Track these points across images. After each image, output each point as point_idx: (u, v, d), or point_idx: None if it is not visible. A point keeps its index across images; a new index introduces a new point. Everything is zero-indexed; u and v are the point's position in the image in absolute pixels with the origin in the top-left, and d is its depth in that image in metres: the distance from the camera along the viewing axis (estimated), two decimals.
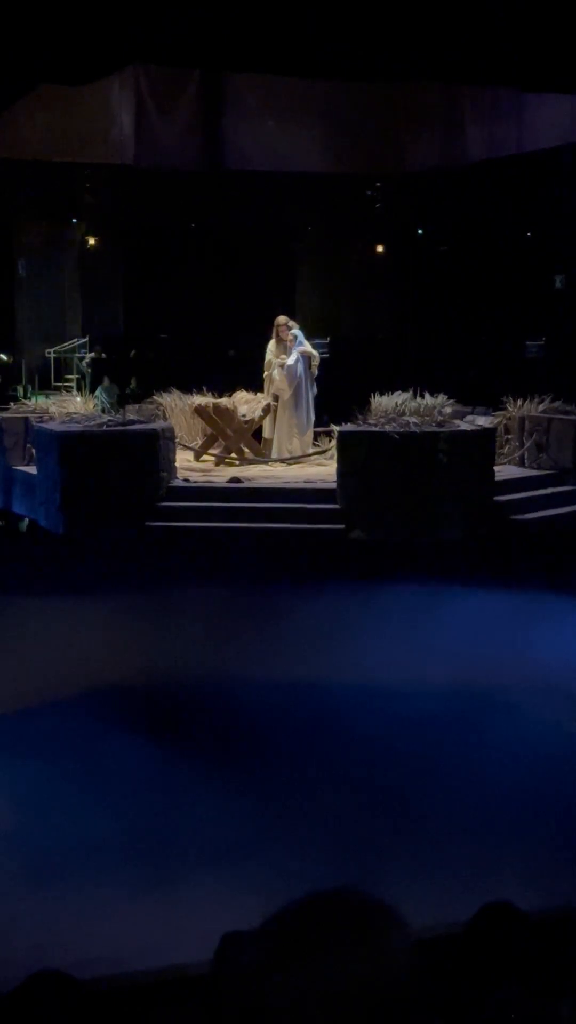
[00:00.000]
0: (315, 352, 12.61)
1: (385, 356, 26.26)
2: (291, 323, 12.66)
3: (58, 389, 26.53)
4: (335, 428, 13.02)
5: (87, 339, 26.69)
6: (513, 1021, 2.78)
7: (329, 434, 13.05)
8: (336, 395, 23.32)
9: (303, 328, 28.67)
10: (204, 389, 13.71)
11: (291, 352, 12.48)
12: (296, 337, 12.54)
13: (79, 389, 26.63)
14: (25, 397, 25.74)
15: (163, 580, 11.92)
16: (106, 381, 25.97)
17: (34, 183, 24.82)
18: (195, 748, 10.60)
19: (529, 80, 21.25)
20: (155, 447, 11.24)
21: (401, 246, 26.60)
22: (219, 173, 24.94)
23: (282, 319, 12.71)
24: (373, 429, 11.34)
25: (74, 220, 26.33)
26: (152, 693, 11.83)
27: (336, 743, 10.77)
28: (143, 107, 24.73)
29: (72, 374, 26.74)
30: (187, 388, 24.94)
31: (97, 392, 25.97)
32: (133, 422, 11.56)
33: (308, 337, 28.36)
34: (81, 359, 26.79)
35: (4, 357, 26.16)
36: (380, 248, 26.84)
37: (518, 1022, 2.77)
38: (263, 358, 25.80)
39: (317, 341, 27.85)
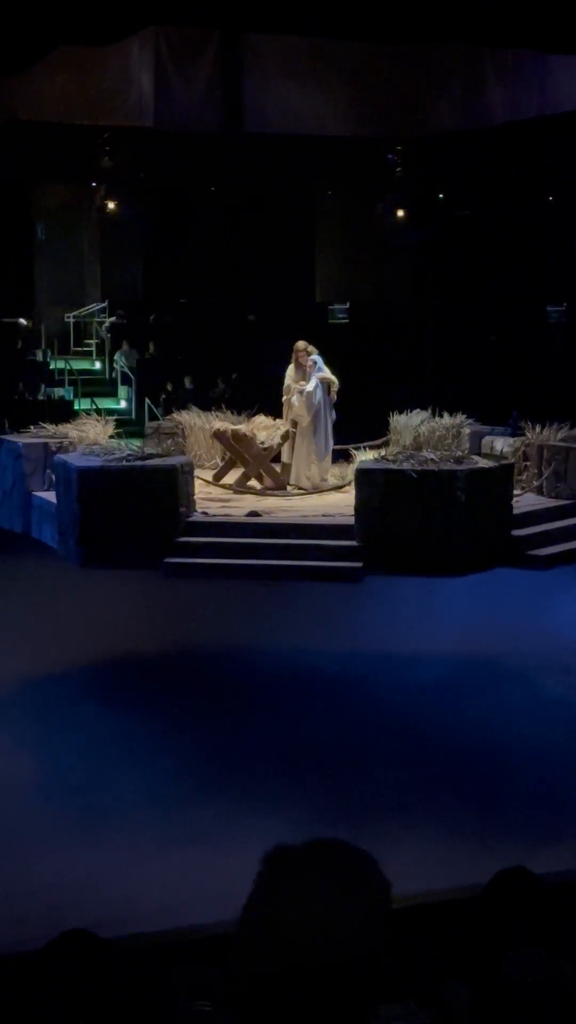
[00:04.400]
0: (334, 378, 12.41)
1: (405, 321, 25.99)
2: (310, 348, 12.44)
3: (77, 354, 26.37)
4: (352, 450, 12.91)
5: (106, 304, 26.45)
6: (528, 983, 2.84)
7: (347, 456, 12.92)
8: (355, 368, 23.14)
9: (323, 297, 28.36)
10: (223, 406, 13.58)
11: (310, 378, 12.29)
12: (316, 363, 12.33)
13: (98, 354, 26.47)
14: (44, 361, 25.61)
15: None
16: (125, 346, 25.80)
17: (53, 146, 24.34)
18: (213, 712, 10.77)
19: (552, 41, 20.71)
20: (175, 483, 11.10)
21: (422, 210, 26.12)
22: (239, 136, 24.44)
23: (301, 344, 12.49)
24: (391, 467, 11.16)
25: (93, 183, 25.92)
26: (171, 662, 12.03)
27: (354, 707, 10.94)
28: (163, 69, 24.15)
29: (91, 339, 26.56)
30: (206, 352, 24.79)
31: (116, 357, 25.83)
32: (152, 456, 11.43)
33: (327, 300, 28.18)
34: (100, 324, 26.57)
35: (23, 322, 25.93)
36: (400, 212, 26.36)
37: (533, 983, 2.83)
38: (282, 325, 25.66)
39: (336, 307, 27.61)
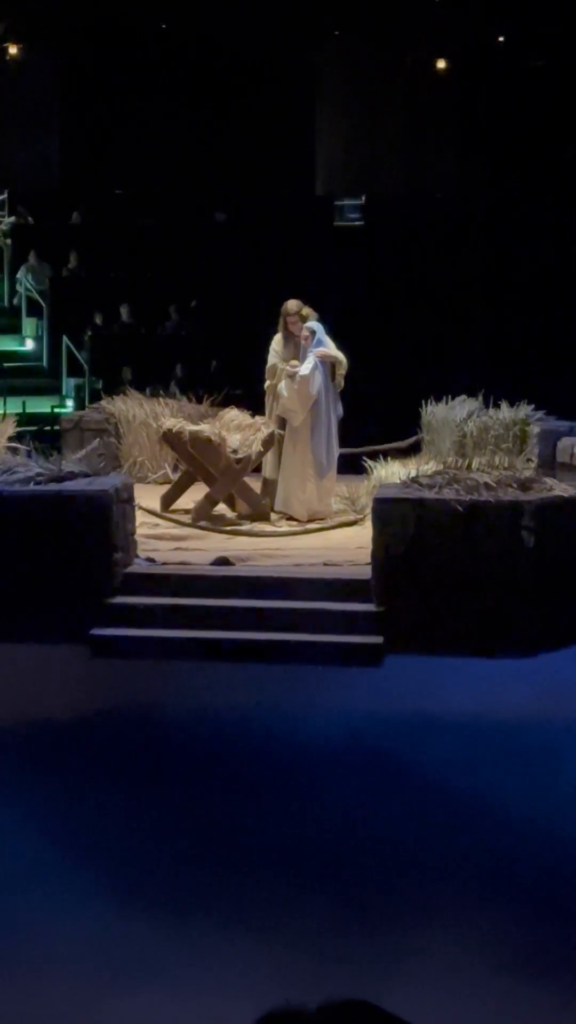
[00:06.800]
0: (340, 356, 12.40)
1: (443, 226, 25.89)
2: (306, 311, 12.44)
3: None
4: (367, 460, 13.01)
5: (5, 195, 26.28)
6: None
7: (358, 466, 12.98)
8: (373, 300, 23.01)
9: (326, 188, 28.20)
10: (174, 389, 13.59)
11: (306, 356, 12.29)
12: (314, 333, 12.33)
13: None
14: None
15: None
16: (32, 258, 25.64)
17: None
18: (167, 804, 10.91)
19: None
20: (106, 516, 11.13)
21: (472, 60, 26.02)
22: None
23: (292, 305, 12.46)
24: (426, 496, 11.20)
25: None
26: (108, 740, 12.17)
27: (377, 786, 11.11)
28: None
29: None
30: (153, 268, 24.64)
31: (19, 275, 25.68)
32: (73, 476, 11.44)
33: (331, 193, 28.04)
34: None
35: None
36: (440, 64, 26.25)
37: None
38: (261, 229, 25.54)
39: (346, 202, 27.50)
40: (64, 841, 10.28)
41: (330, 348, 12.44)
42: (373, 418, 13.62)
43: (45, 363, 24.64)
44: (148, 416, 13.35)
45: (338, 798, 11.33)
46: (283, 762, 12.05)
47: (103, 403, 13.88)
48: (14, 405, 21.69)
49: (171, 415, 13.04)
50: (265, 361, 12.67)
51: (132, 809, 10.96)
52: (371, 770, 11.98)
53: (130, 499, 11.59)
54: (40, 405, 22.82)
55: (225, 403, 13.30)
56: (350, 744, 12.31)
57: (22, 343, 25.50)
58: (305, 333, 12.42)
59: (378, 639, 11.35)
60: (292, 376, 12.34)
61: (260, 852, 10.05)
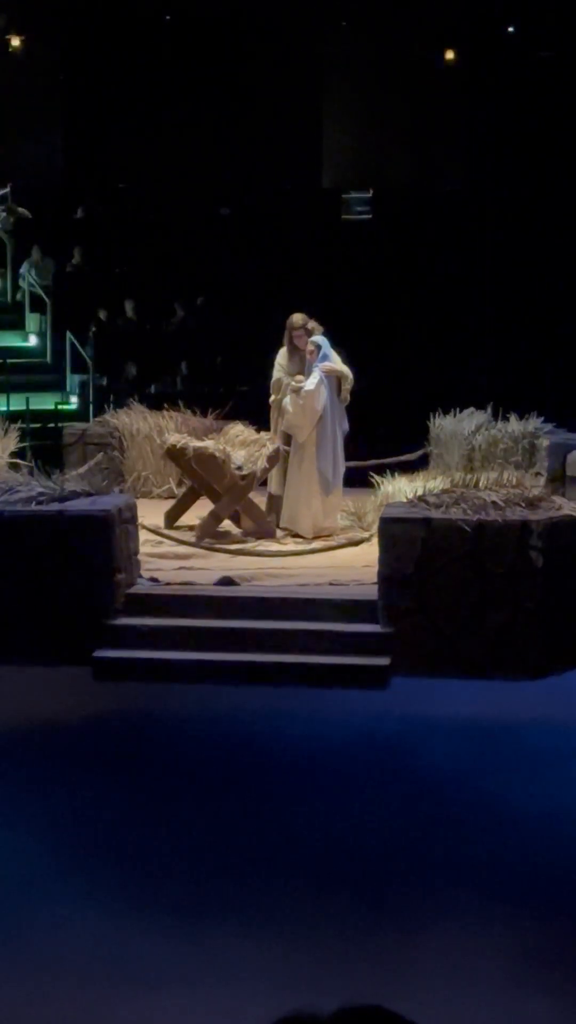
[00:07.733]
0: (346, 371, 12.38)
1: (453, 220, 25.81)
2: (311, 325, 12.42)
3: None
4: (373, 475, 12.98)
5: (8, 189, 26.22)
6: None
7: (365, 479, 12.96)
8: (382, 294, 22.96)
9: (334, 181, 28.12)
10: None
11: (311, 370, 12.27)
12: (319, 348, 12.31)
13: None
14: None
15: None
16: (36, 253, 25.62)
17: None
18: (177, 813, 10.94)
19: None
20: (109, 537, 11.15)
21: (481, 52, 25.90)
22: None
23: (298, 319, 12.44)
24: (433, 515, 11.19)
25: None
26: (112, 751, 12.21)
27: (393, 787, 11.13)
28: None
29: None
30: (159, 263, 24.62)
31: (22, 270, 25.65)
32: (75, 495, 11.44)
33: (338, 186, 27.95)
34: None
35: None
36: (449, 55, 26.14)
37: None
38: (267, 224, 25.48)
39: (354, 195, 27.43)
40: (76, 852, 10.32)
41: (336, 362, 12.43)
42: (380, 430, 13.54)
43: (49, 359, 24.60)
44: (152, 430, 13.37)
45: (346, 811, 11.34)
46: (290, 777, 12.06)
47: (107, 416, 13.88)
48: (18, 402, 21.67)
49: (175, 429, 13.06)
50: (269, 359, 12.69)
51: (141, 821, 11.00)
52: (379, 786, 12.00)
53: (133, 519, 11.60)
54: (44, 402, 22.78)
55: (232, 406, 13.30)
56: (357, 762, 12.31)
57: (25, 339, 25.46)
58: (311, 347, 12.41)
59: (384, 660, 11.32)
60: (297, 391, 12.33)
61: (270, 859, 10.08)
